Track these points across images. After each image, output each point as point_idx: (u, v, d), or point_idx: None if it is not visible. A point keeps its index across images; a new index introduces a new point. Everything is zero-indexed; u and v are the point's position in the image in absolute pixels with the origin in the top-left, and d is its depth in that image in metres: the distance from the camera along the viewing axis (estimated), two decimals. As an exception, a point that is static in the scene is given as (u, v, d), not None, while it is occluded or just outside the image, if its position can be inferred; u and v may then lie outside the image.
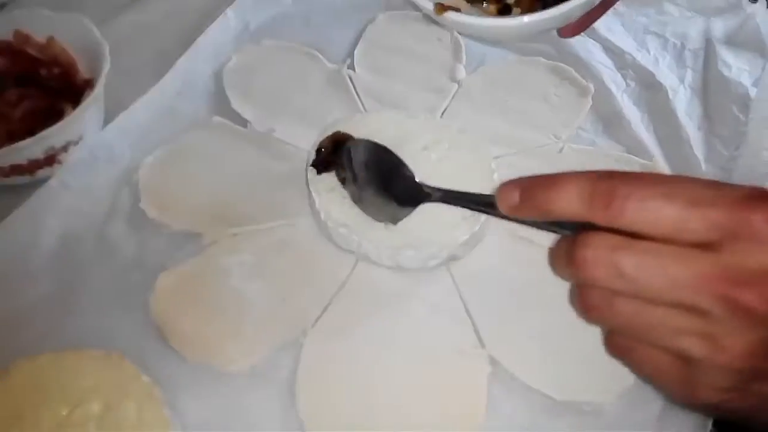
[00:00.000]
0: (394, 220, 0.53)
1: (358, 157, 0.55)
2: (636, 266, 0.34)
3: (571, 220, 0.36)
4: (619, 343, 0.39)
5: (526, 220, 0.41)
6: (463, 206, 0.51)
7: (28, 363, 0.48)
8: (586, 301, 0.37)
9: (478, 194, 0.47)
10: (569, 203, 0.36)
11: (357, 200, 0.54)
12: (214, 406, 0.48)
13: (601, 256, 0.34)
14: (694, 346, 0.34)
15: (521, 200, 0.39)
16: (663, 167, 0.60)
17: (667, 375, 0.37)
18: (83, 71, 0.64)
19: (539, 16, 0.57)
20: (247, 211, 0.57)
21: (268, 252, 0.55)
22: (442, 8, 0.54)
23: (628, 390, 0.48)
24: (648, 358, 0.37)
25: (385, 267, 0.54)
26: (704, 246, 0.33)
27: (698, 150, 0.62)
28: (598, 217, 0.35)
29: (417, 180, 0.53)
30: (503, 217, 0.41)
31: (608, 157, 0.62)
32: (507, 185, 0.40)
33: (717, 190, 0.34)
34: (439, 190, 0.51)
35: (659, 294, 0.34)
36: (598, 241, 0.35)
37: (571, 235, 0.37)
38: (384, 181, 0.54)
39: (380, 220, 0.53)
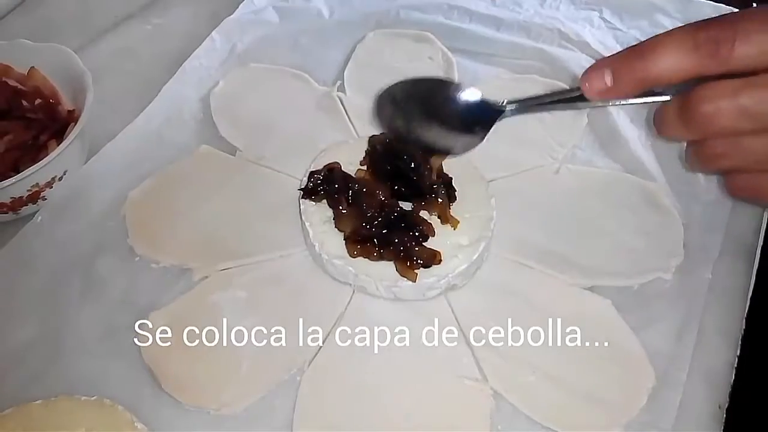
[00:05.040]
0: (468, 148, 0.48)
1: (403, 95, 0.51)
2: (761, 101, 0.34)
3: (673, 81, 0.36)
4: (746, 183, 0.38)
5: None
6: (542, 109, 0.46)
7: (19, 410, 0.47)
8: (712, 151, 0.37)
9: (554, 92, 0.44)
10: (673, 62, 0.35)
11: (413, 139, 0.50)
12: (209, 452, 0.46)
13: (724, 105, 0.34)
14: None
15: (615, 78, 0.37)
16: (665, 188, 0.59)
17: None
18: (66, 102, 0.62)
19: None
20: (238, 244, 0.56)
21: (262, 286, 0.54)
22: None
23: (634, 421, 0.47)
24: None
25: (382, 298, 0.53)
26: None
27: (697, 167, 0.60)
28: (708, 67, 0.34)
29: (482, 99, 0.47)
30: (587, 103, 0.40)
31: (607, 177, 0.61)
32: (593, 69, 0.38)
33: None
34: (511, 102, 0.45)
35: None
36: (717, 90, 0.34)
37: (678, 95, 0.36)
38: (439, 111, 0.48)
39: (455, 153, 0.49)
